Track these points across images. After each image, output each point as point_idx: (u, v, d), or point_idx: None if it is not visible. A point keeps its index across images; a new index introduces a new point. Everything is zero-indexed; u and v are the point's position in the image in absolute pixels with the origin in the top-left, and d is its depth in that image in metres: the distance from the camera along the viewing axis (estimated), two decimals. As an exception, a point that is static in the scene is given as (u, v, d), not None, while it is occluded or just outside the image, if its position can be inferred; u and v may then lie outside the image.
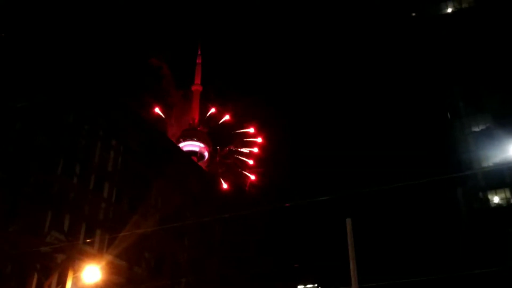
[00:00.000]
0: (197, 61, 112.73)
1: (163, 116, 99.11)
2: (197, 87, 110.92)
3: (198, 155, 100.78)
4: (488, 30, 61.21)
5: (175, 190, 40.57)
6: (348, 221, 29.11)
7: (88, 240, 31.50)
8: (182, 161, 45.99)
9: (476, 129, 60.91)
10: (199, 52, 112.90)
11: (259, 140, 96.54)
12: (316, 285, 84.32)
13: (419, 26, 68.61)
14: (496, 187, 56.89)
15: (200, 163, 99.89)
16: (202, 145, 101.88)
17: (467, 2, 66.04)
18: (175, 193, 40.15)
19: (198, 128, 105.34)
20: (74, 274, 26.74)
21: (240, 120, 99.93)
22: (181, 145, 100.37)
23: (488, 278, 41.24)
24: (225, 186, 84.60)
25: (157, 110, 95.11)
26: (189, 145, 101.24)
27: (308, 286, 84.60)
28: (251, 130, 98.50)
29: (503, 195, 57.02)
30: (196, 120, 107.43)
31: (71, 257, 28.47)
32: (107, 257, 32.72)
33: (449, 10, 67.51)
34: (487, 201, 57.96)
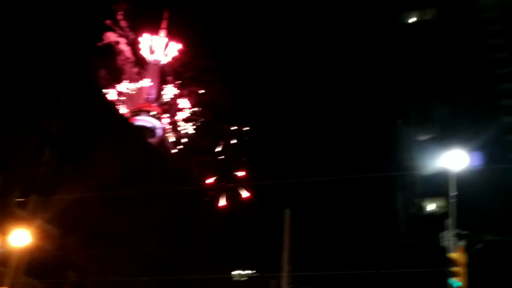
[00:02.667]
0: (161, 31, 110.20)
1: (117, 89, 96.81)
2: (156, 61, 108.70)
3: (151, 131, 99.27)
4: (445, 43, 63.43)
5: (118, 161, 39.73)
6: (287, 211, 29.95)
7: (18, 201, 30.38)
8: (129, 134, 45.08)
9: (423, 138, 63.23)
10: (164, 26, 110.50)
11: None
12: (254, 271, 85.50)
13: (384, 33, 70.25)
14: (432, 195, 59.46)
15: (151, 140, 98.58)
16: (156, 121, 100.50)
17: (430, 14, 68.05)
18: (119, 165, 39.32)
19: (154, 105, 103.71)
20: (2, 236, 25.90)
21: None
22: (134, 118, 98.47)
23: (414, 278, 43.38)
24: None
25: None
26: (142, 120, 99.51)
27: (245, 271, 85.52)
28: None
29: (438, 203, 59.76)
30: (154, 95, 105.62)
31: (2, 219, 27.49)
32: (39, 222, 31.84)
33: (413, 20, 69.43)
34: (422, 207, 60.67)
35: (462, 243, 16.58)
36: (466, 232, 17.64)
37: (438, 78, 63.12)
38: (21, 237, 25.54)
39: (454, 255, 16.14)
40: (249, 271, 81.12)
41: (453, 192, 17.82)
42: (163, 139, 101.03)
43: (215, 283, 51.87)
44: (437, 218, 58.04)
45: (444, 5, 66.31)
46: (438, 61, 63.40)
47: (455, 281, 15.87)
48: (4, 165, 29.78)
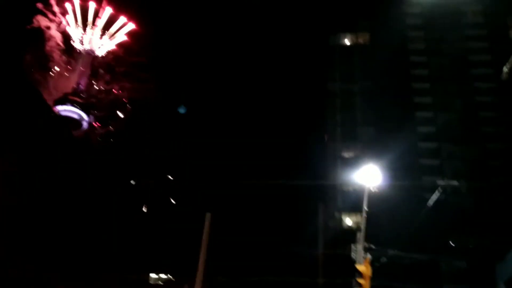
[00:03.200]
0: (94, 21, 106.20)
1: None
2: (88, 50, 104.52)
3: (77, 122, 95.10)
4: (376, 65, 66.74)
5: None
6: (208, 215, 29.74)
7: None
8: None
9: (346, 155, 65.78)
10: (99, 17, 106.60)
11: None
12: (168, 275, 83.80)
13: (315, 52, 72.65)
14: (351, 210, 61.93)
15: (75, 132, 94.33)
16: (84, 114, 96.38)
17: (362, 38, 71.49)
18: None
19: (81, 95, 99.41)
20: None
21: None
22: (59, 108, 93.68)
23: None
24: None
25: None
26: (69, 111, 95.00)
27: (160, 275, 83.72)
28: None
29: (355, 219, 62.28)
30: (83, 87, 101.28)
31: None
32: None
33: (345, 42, 72.60)
34: (341, 221, 62.97)
35: (368, 256, 17.26)
36: (372, 246, 18.46)
37: (364, 98, 66.33)
38: None
39: (360, 267, 16.75)
40: (164, 275, 79.47)
41: (365, 207, 18.56)
42: (89, 132, 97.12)
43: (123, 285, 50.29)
44: (354, 232, 61.05)
45: (376, 31, 70.04)
46: (365, 83, 66.75)
47: (359, 293, 16.48)
48: None
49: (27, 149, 37.50)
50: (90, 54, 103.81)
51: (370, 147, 62.71)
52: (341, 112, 67.59)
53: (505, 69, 14.38)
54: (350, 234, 60.85)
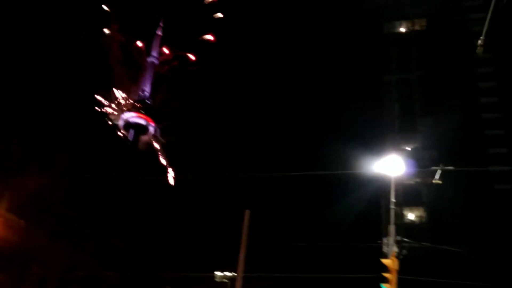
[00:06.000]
0: (157, 32, 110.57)
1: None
2: (152, 60, 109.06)
3: (143, 128, 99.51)
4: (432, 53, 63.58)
5: (90, 158, 39.74)
6: (247, 212, 29.89)
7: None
8: (104, 131, 45.08)
9: (405, 147, 63.39)
10: (161, 24, 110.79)
11: None
12: (233, 273, 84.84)
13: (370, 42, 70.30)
14: (411, 204, 59.43)
15: (143, 137, 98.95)
16: (149, 119, 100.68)
17: (418, 25, 68.40)
18: (90, 161, 39.34)
19: (147, 101, 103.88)
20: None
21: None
22: (127, 115, 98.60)
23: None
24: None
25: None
26: (136, 117, 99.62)
27: (225, 273, 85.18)
28: None
29: (417, 213, 59.74)
30: (148, 93, 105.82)
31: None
32: (3, 213, 31.83)
33: (401, 30, 69.74)
34: (402, 216, 60.65)
35: (395, 249, 16.55)
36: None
37: (422, 87, 63.41)
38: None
39: (386, 261, 16.11)
40: (229, 273, 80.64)
41: (393, 198, 17.81)
42: (155, 137, 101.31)
43: (189, 283, 51.58)
44: (416, 227, 58.58)
45: (433, 16, 66.64)
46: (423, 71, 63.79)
47: (386, 287, 15.86)
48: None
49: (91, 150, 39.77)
50: (154, 62, 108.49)
51: (430, 138, 59.98)
52: (399, 103, 65.16)
53: (480, 42, 13.15)
54: (412, 228, 58.61)
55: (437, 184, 60.34)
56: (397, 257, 16.27)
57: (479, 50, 12.77)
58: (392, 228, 17.97)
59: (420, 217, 60.11)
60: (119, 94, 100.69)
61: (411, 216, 60.73)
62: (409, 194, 59.96)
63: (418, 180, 59.63)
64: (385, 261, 16.10)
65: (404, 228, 58.70)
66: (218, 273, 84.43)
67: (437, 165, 55.51)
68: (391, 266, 15.85)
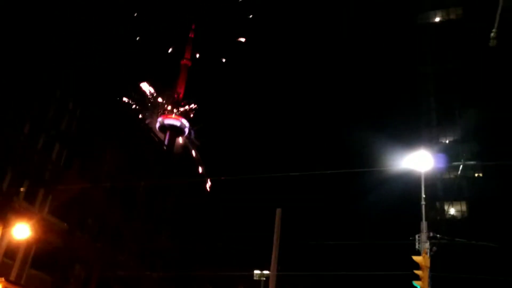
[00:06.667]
0: (190, 35, 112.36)
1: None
2: (186, 62, 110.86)
3: (179, 129, 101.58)
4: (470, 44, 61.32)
5: (128, 161, 40.79)
6: (278, 210, 30.00)
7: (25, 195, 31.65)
8: (140, 134, 46.17)
9: (444, 141, 61.75)
10: (192, 27, 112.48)
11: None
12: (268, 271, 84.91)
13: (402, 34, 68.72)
14: (452, 199, 57.87)
15: (179, 138, 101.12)
16: (184, 120, 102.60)
17: (454, 14, 66.27)
18: (128, 164, 40.38)
19: (182, 103, 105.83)
20: (4, 228, 27.11)
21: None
22: (162, 117, 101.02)
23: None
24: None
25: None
26: (171, 119, 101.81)
27: (264, 271, 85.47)
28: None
29: (458, 207, 58.08)
30: (181, 95, 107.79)
31: (4, 211, 28.72)
32: (46, 216, 33.16)
33: (435, 20, 67.76)
34: (443, 211, 59.16)
35: (426, 246, 16.24)
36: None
37: (459, 78, 61.38)
38: (23, 230, 26.57)
39: (417, 258, 15.83)
40: (267, 272, 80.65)
41: (423, 194, 17.46)
42: (190, 138, 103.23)
43: (228, 281, 52.11)
44: (458, 222, 56.90)
45: (469, 4, 64.43)
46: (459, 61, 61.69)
47: (417, 284, 15.60)
48: (13, 161, 31.06)
49: (123, 156, 40.81)
50: (187, 65, 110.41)
51: (470, 130, 58.15)
52: (435, 95, 63.43)
53: (492, 34, 12.56)
54: (454, 224, 57.02)
55: (479, 177, 58.68)
56: (428, 253, 15.95)
57: (493, 43, 12.30)
58: (424, 225, 17.61)
59: (461, 211, 58.43)
60: (154, 96, 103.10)
61: (452, 210, 59.14)
62: (449, 189, 58.45)
63: (458, 173, 57.96)
64: (416, 258, 15.83)
65: (446, 223, 57.36)
66: (257, 272, 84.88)
67: (475, 159, 53.65)
68: (422, 263, 15.56)
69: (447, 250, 19.53)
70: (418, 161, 16.51)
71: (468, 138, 59.09)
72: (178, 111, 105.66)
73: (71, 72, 36.91)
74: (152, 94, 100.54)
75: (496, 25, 12.10)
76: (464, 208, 58.59)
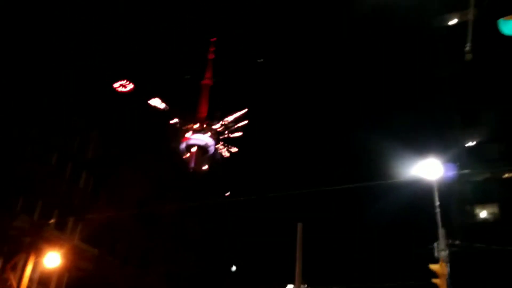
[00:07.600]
0: (209, 56, 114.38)
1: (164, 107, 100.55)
2: (207, 82, 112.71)
3: (204, 149, 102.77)
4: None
5: (153, 185, 41.70)
6: (299, 225, 30.10)
7: (56, 224, 32.72)
8: (164, 158, 47.15)
9: (469, 143, 60.49)
10: (212, 48, 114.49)
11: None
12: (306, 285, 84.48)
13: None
14: (483, 201, 56.56)
15: (205, 157, 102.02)
16: (209, 139, 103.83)
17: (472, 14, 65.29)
18: (151, 185, 41.26)
19: (205, 123, 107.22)
20: (36, 258, 28.09)
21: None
22: (189, 136, 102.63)
23: None
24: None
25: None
26: (195, 139, 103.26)
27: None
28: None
29: (489, 210, 56.68)
30: (204, 114, 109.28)
31: (36, 241, 29.74)
32: (77, 244, 34.19)
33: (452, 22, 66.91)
34: (473, 214, 57.75)
35: (443, 254, 16.16)
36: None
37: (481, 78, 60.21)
38: (53, 259, 27.48)
39: (434, 266, 15.79)
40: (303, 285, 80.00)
41: (437, 201, 17.40)
42: (216, 156, 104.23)
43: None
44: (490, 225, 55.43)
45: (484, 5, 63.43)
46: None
47: (436, 293, 15.53)
48: (42, 190, 32.28)
49: (148, 181, 41.73)
50: (208, 84, 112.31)
51: (497, 129, 56.76)
52: (457, 96, 62.22)
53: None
54: (486, 227, 55.46)
55: (510, 178, 56.89)
56: (446, 261, 15.88)
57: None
58: (441, 232, 17.52)
59: (493, 214, 56.85)
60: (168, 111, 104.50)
61: (483, 214, 57.62)
62: (479, 192, 57.02)
63: (487, 175, 56.63)
64: (433, 266, 15.78)
65: (478, 226, 55.88)
66: (290, 286, 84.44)
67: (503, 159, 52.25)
68: (440, 271, 15.51)
69: (473, 256, 19.30)
70: (431, 168, 16.55)
71: (495, 138, 57.76)
72: (206, 129, 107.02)
73: (94, 100, 38.24)
74: (165, 109, 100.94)
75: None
76: (496, 210, 57.06)
